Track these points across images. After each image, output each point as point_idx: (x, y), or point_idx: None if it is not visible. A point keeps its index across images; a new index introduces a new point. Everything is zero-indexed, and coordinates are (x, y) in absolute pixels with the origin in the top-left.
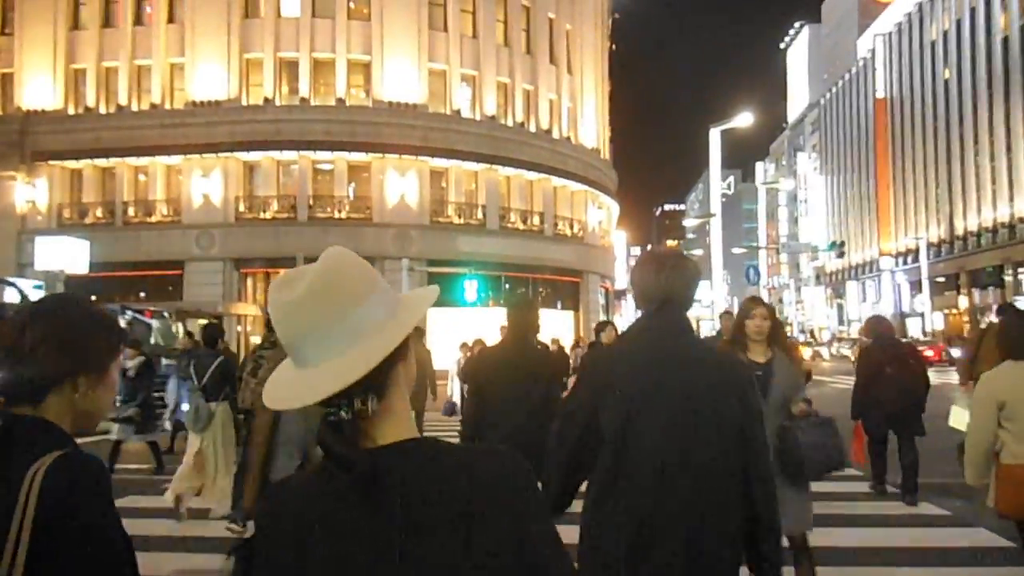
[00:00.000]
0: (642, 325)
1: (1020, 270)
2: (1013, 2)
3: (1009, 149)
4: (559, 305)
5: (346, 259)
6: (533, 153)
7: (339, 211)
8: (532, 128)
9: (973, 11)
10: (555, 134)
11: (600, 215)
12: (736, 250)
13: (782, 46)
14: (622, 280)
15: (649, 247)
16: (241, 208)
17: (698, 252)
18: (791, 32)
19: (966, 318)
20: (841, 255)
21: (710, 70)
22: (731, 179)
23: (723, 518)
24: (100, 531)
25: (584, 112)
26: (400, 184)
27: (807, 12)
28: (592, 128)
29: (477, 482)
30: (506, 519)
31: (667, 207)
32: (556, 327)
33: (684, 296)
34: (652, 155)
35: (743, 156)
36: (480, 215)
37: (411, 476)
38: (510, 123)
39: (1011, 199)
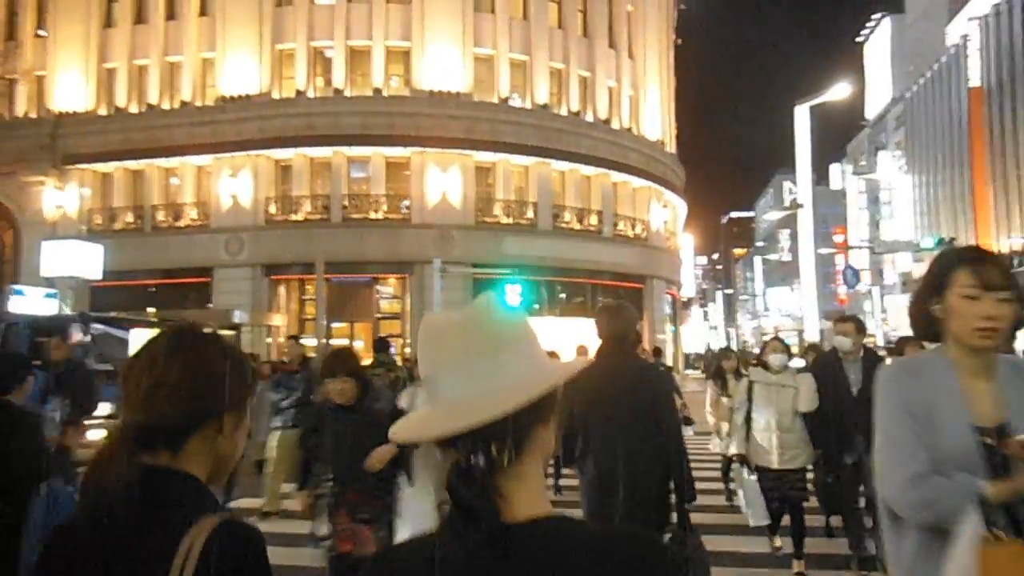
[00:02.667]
0: (601, 352)
1: None
2: None
3: None
4: None
5: (499, 306)
6: (590, 146)
7: (376, 211)
8: (589, 118)
9: None
10: (615, 125)
11: (665, 214)
12: (823, 251)
13: (859, 40)
14: (690, 287)
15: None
16: (272, 209)
17: (773, 257)
18: (869, 25)
19: None
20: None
21: (780, 69)
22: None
23: (651, 466)
24: None
25: (647, 101)
26: (442, 181)
27: (887, 3)
28: (656, 119)
29: (614, 571)
30: None
31: (735, 215)
32: None
33: (625, 332)
34: (718, 159)
35: (815, 160)
36: (531, 214)
37: (543, 557)
38: (564, 112)
39: None
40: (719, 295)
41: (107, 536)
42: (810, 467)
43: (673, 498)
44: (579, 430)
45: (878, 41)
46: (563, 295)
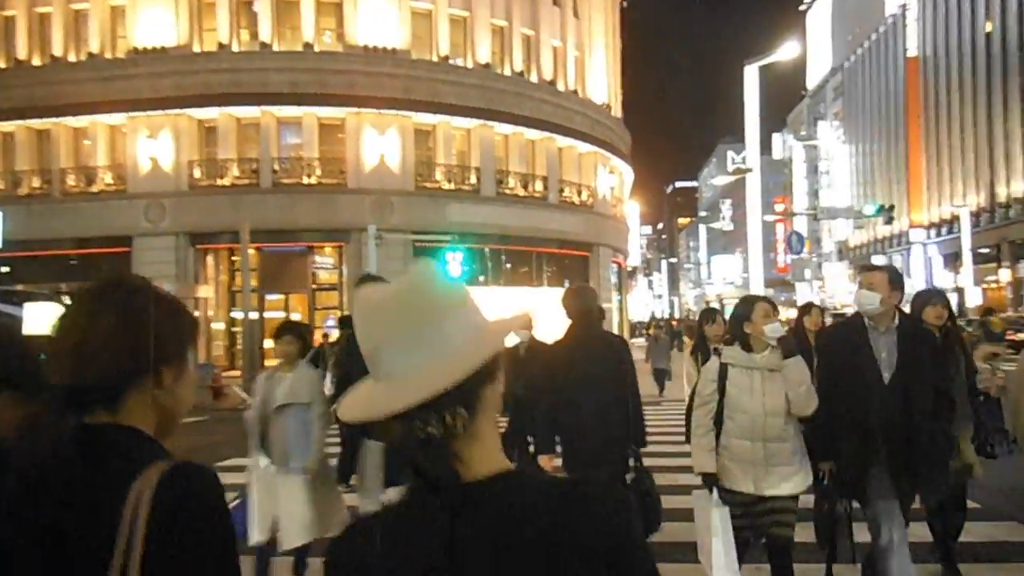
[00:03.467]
0: (572, 327)
1: None
2: None
3: None
4: (566, 282)
5: (436, 273)
6: (534, 108)
7: (309, 176)
8: (533, 79)
9: None
10: (560, 86)
11: (612, 180)
12: (768, 218)
13: (802, 8)
14: (636, 256)
15: (660, 225)
16: (196, 174)
17: (717, 225)
18: None
19: (1008, 293)
20: (890, 221)
21: (726, 38)
22: (743, 154)
23: (617, 421)
24: (224, 551)
25: (593, 62)
26: (379, 143)
27: None
28: (602, 81)
29: (576, 521)
30: (606, 561)
31: (679, 184)
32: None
33: (591, 309)
34: (663, 128)
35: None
36: (473, 179)
37: (505, 512)
38: (507, 73)
39: None
40: (664, 264)
41: (44, 499)
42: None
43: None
44: (561, 394)
45: (820, 10)
46: (508, 264)
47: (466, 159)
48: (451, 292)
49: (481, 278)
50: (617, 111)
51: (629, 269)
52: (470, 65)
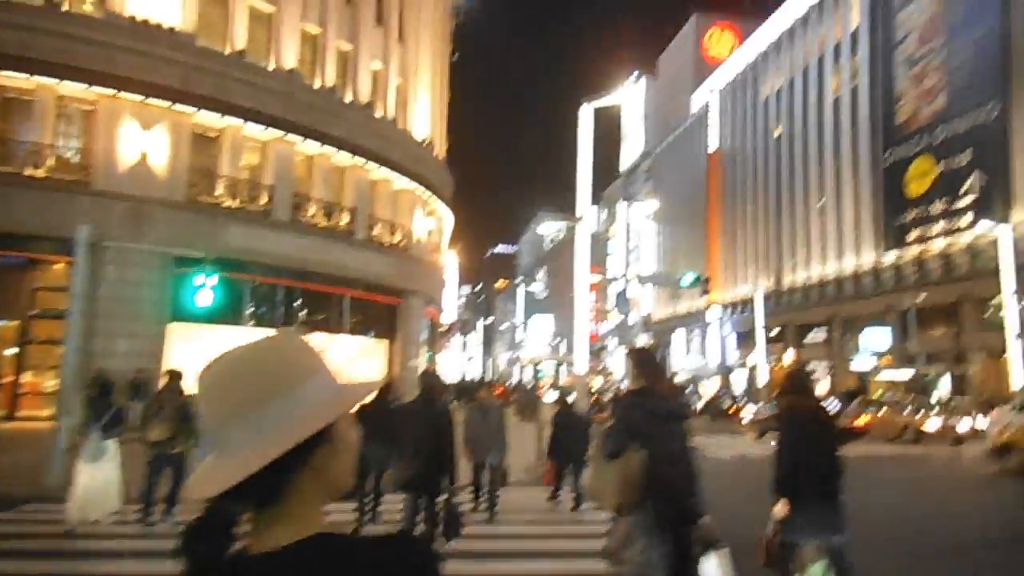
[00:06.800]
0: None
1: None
2: (845, 65)
3: (837, 207)
4: (371, 332)
5: (282, 344)
6: (347, 130)
7: (36, 166)
8: (347, 98)
9: (806, 71)
10: (378, 112)
11: (430, 224)
12: (592, 279)
13: (619, 95)
14: (452, 312)
15: (479, 287)
16: None
17: (533, 289)
18: (629, 81)
19: None
20: (705, 292)
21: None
22: (563, 224)
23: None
24: None
25: (417, 95)
26: (142, 139)
27: (645, 63)
28: (426, 116)
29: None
30: None
31: (500, 250)
32: (364, 358)
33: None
34: (484, 194)
35: (571, 203)
36: (265, 200)
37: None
38: (317, 85)
39: (839, 256)
40: (480, 325)
41: None
42: None
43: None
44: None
45: (635, 97)
46: (303, 304)
47: (258, 175)
48: (282, 373)
49: (268, 317)
50: (441, 151)
51: (444, 326)
52: (272, 67)
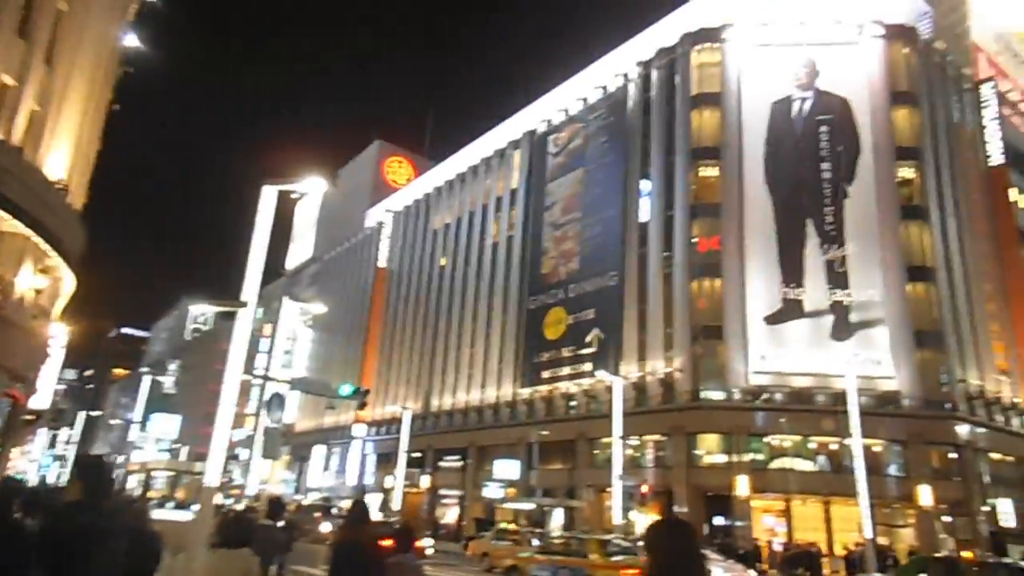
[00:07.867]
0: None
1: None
2: (504, 216)
3: (486, 339)
4: None
5: None
6: None
7: None
8: None
9: (472, 213)
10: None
11: (40, 283)
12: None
13: (305, 184)
14: (46, 398)
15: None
16: None
17: (163, 379)
18: (310, 178)
19: (425, 498)
20: (363, 406)
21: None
22: (211, 314)
23: None
24: None
25: (59, 129)
26: None
27: (324, 171)
28: (65, 157)
29: None
30: None
31: (127, 331)
32: None
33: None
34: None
35: (230, 294)
36: None
37: None
38: None
39: (483, 385)
40: (81, 417)
41: None
42: None
43: None
44: None
45: (309, 201)
46: None
47: None
48: None
49: None
50: (77, 202)
51: (30, 413)
52: None
